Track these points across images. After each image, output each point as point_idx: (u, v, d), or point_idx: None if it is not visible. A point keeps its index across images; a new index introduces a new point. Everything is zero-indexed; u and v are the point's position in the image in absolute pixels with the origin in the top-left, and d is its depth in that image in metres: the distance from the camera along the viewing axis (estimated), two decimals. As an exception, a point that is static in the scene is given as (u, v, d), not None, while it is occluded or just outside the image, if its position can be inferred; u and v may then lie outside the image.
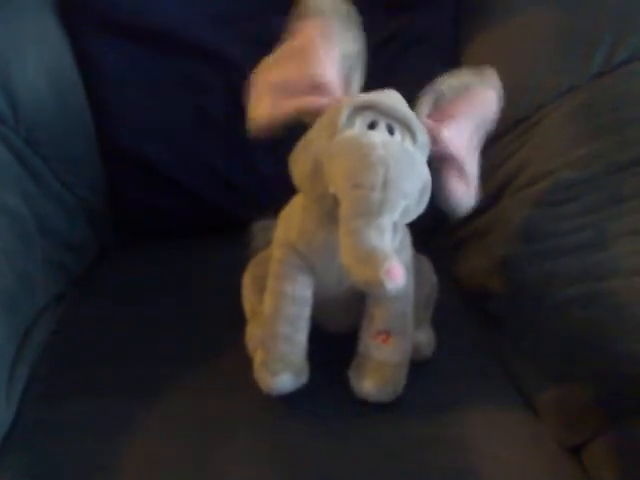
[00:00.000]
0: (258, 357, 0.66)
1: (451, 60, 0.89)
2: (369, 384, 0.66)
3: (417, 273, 0.69)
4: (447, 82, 0.65)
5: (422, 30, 0.90)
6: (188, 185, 0.91)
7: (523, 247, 0.76)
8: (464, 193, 0.66)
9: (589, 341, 0.64)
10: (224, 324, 0.73)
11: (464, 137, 0.65)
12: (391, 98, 0.62)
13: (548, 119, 0.81)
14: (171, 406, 0.66)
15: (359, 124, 0.60)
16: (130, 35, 0.87)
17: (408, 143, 0.60)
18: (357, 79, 0.64)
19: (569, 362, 0.65)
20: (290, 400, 0.65)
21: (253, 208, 0.76)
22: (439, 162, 0.64)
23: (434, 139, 0.63)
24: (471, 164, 0.66)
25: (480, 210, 0.84)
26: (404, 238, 0.67)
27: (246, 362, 0.68)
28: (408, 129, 0.60)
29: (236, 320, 0.72)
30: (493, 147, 0.84)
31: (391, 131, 0.60)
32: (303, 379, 0.66)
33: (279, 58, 0.63)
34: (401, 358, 0.67)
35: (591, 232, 0.71)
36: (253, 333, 0.70)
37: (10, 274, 0.70)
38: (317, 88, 0.62)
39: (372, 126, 0.60)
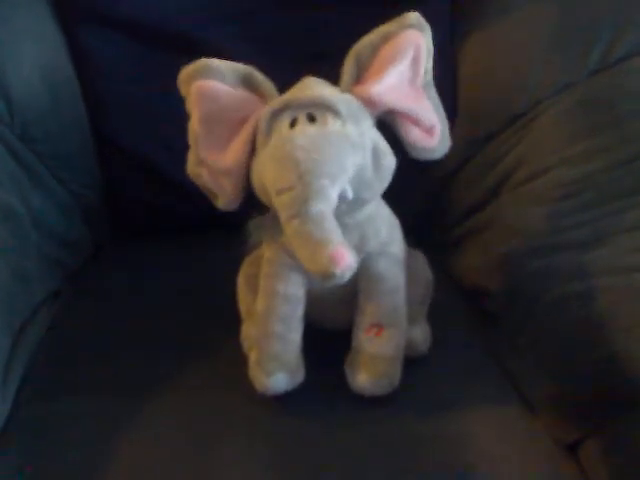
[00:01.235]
0: (252, 357, 0.66)
1: (448, 56, 0.89)
2: (364, 378, 0.66)
3: (412, 269, 0.69)
4: (362, 42, 0.64)
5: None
6: (185, 182, 0.91)
7: (521, 244, 0.75)
8: (424, 138, 0.65)
9: (587, 338, 0.64)
10: (221, 322, 0.73)
11: (398, 86, 0.64)
12: (306, 87, 0.63)
13: (545, 115, 0.81)
14: (168, 404, 0.66)
15: (280, 127, 0.60)
16: (126, 30, 0.87)
17: (333, 123, 0.60)
18: (267, 85, 0.65)
19: (566, 359, 0.65)
20: (287, 398, 0.65)
21: (249, 205, 0.76)
22: (389, 117, 0.64)
23: (368, 102, 0.63)
24: (421, 108, 0.65)
25: (478, 207, 0.84)
26: (392, 230, 0.67)
27: (242, 361, 0.68)
28: (328, 109, 0.60)
29: (233, 318, 0.72)
30: (490, 144, 0.84)
31: (312, 119, 0.60)
32: (299, 378, 0.66)
33: (196, 131, 0.65)
34: (395, 351, 0.67)
35: (589, 229, 0.71)
36: (248, 333, 0.70)
37: (5, 270, 0.70)
38: (243, 122, 0.63)
39: (293, 123, 0.60)
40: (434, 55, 0.65)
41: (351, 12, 0.87)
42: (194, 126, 0.65)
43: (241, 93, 0.64)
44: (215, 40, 0.88)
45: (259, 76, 0.65)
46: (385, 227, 0.66)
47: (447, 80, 0.85)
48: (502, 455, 0.61)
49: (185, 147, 0.90)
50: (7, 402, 0.66)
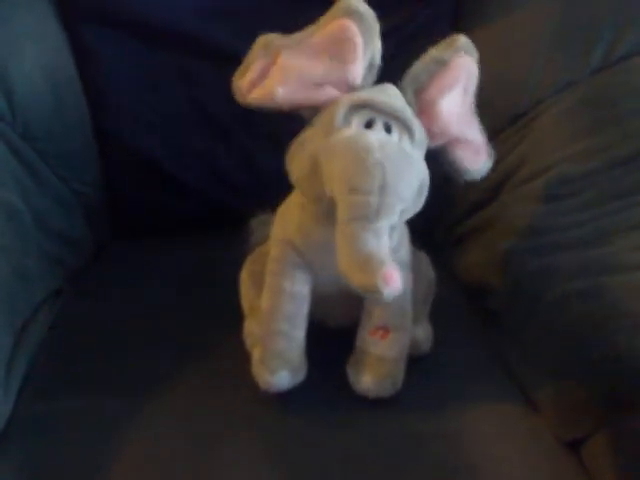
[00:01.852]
0: (256, 354, 0.66)
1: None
2: (368, 379, 0.66)
3: (415, 269, 0.69)
4: (418, 67, 0.64)
5: (421, 24, 0.90)
6: (186, 180, 0.91)
7: (522, 242, 0.75)
8: (474, 159, 0.66)
9: (588, 336, 0.64)
10: (222, 322, 0.73)
11: (454, 113, 0.64)
12: (388, 95, 0.61)
13: (547, 114, 0.81)
14: (168, 403, 0.66)
15: (356, 123, 0.59)
16: (127, 29, 0.87)
17: (405, 142, 0.60)
18: (370, 83, 0.63)
19: (568, 357, 0.65)
20: (289, 396, 0.65)
21: (252, 203, 0.76)
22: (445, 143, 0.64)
23: (429, 133, 0.63)
24: (471, 131, 0.66)
25: (479, 205, 0.84)
26: (402, 236, 0.67)
27: (245, 358, 0.68)
28: (405, 127, 0.60)
29: (235, 316, 0.72)
30: (492, 142, 0.84)
31: (388, 129, 0.59)
32: (301, 376, 0.66)
33: (311, 45, 0.61)
34: (399, 353, 0.67)
35: (591, 227, 0.71)
36: (251, 329, 0.70)
37: (6, 269, 0.70)
38: (343, 85, 0.61)
39: (369, 124, 0.59)
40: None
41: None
42: (317, 36, 0.61)
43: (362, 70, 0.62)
44: (216, 39, 0.88)
45: (374, 70, 0.63)
46: (396, 233, 0.66)
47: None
48: (504, 454, 0.61)
49: (187, 146, 0.91)
50: (9, 401, 0.65)
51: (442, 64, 0.63)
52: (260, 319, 0.67)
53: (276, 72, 0.61)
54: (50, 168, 0.84)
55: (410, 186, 0.58)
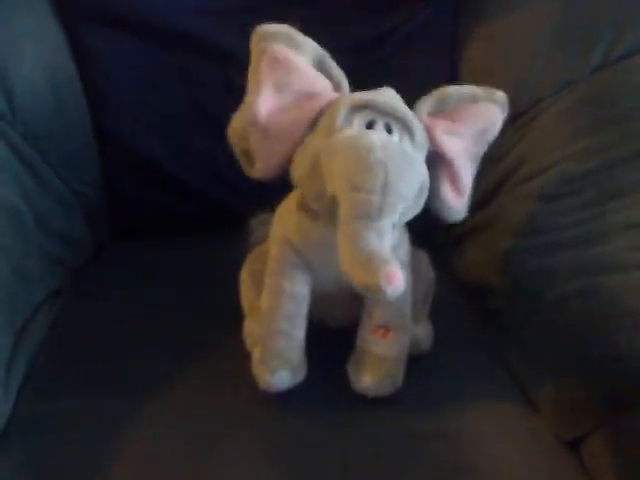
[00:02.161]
0: (256, 354, 0.66)
1: (450, 55, 0.89)
2: (368, 379, 0.66)
3: (415, 268, 0.69)
4: (454, 88, 0.65)
5: (421, 24, 0.90)
6: (186, 180, 0.91)
7: (522, 242, 0.76)
8: (455, 201, 0.67)
9: (588, 336, 0.64)
10: (223, 320, 0.73)
11: (461, 144, 0.65)
12: (388, 96, 0.61)
13: (547, 113, 0.81)
14: (168, 403, 0.66)
15: (357, 123, 0.59)
16: (127, 29, 0.87)
17: (406, 143, 0.60)
18: (342, 77, 0.63)
19: (568, 356, 0.65)
20: (289, 396, 0.65)
21: (251, 203, 0.76)
22: (434, 165, 0.64)
23: (430, 138, 0.63)
24: (465, 173, 0.66)
25: (479, 205, 0.84)
26: (402, 235, 0.67)
27: (245, 358, 0.68)
28: (406, 128, 0.60)
29: (235, 316, 0.72)
30: (492, 142, 0.84)
31: (389, 130, 0.60)
32: (301, 376, 0.66)
33: (257, 89, 0.62)
34: (399, 353, 0.67)
35: (590, 226, 0.71)
36: (251, 329, 0.70)
37: (7, 269, 0.70)
38: (311, 98, 0.62)
39: (370, 125, 0.59)
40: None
41: (352, 10, 0.88)
42: (261, 83, 0.62)
43: (315, 71, 0.63)
44: (217, 39, 0.88)
45: (332, 62, 0.63)
46: (396, 232, 0.66)
47: (449, 78, 0.85)
48: (504, 453, 0.61)
49: (187, 146, 0.91)
50: (9, 401, 0.65)
51: (474, 101, 0.65)
52: (260, 319, 0.67)
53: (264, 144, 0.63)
54: (51, 168, 0.84)
55: (411, 186, 0.58)
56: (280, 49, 0.61)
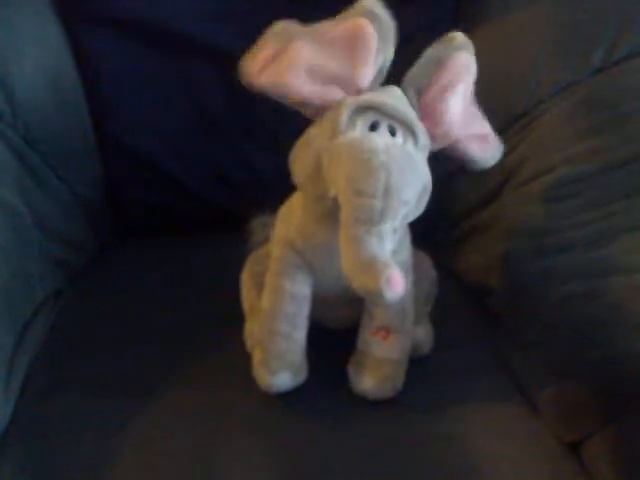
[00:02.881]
0: (256, 355, 0.66)
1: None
2: (368, 381, 0.66)
3: (416, 269, 0.69)
4: (416, 69, 0.63)
5: (422, 26, 0.90)
6: (187, 181, 0.91)
7: (523, 243, 0.75)
8: (482, 148, 0.67)
9: (589, 337, 0.64)
10: (224, 321, 0.73)
11: (457, 113, 0.63)
12: (393, 97, 0.61)
13: (548, 115, 0.81)
14: (169, 403, 0.66)
15: (360, 125, 0.59)
16: (128, 31, 0.87)
17: (410, 145, 0.60)
18: (376, 87, 0.63)
19: (569, 358, 0.65)
20: (289, 397, 0.66)
21: (252, 204, 0.76)
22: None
23: (433, 137, 0.62)
24: (476, 125, 0.66)
25: (480, 206, 0.84)
26: (403, 237, 0.67)
27: (245, 359, 0.68)
28: (410, 130, 0.60)
29: (236, 316, 0.72)
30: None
31: (393, 132, 0.59)
32: (301, 377, 0.66)
33: (325, 39, 0.61)
34: (400, 355, 0.67)
35: (591, 228, 0.71)
36: (251, 330, 0.70)
37: (7, 269, 0.70)
38: (349, 86, 0.61)
39: (374, 127, 0.59)
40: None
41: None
42: (331, 32, 0.60)
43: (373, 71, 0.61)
44: (217, 40, 0.88)
45: (382, 76, 0.63)
46: (398, 234, 0.66)
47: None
48: (504, 454, 0.61)
49: (187, 147, 0.91)
50: (10, 401, 0.66)
51: (440, 64, 0.63)
52: (261, 319, 0.67)
53: (287, 59, 0.61)
54: (51, 169, 0.84)
55: (414, 189, 0.58)
56: (373, 33, 0.60)
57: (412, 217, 0.61)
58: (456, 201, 0.87)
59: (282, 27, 0.63)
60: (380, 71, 0.62)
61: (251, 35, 0.80)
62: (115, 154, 0.90)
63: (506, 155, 0.82)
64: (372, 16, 0.60)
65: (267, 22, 0.85)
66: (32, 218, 0.79)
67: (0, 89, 0.79)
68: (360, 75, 0.61)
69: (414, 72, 0.63)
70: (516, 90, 0.83)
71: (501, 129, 0.83)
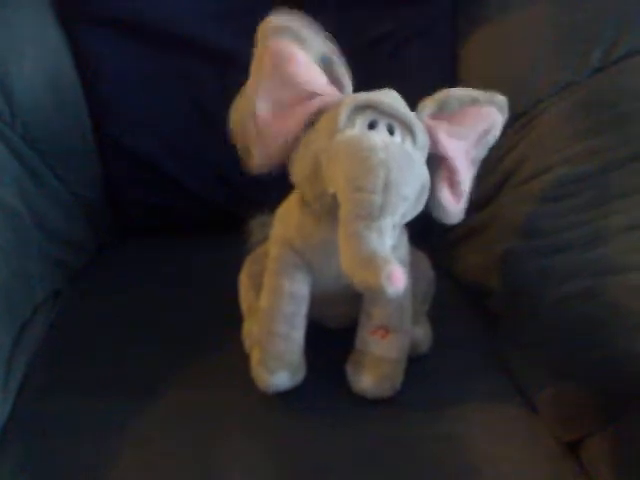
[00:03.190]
0: (255, 355, 0.66)
1: (449, 56, 0.89)
2: (367, 380, 0.66)
3: (413, 268, 0.69)
4: (455, 91, 0.65)
5: (421, 25, 0.90)
6: (186, 181, 0.91)
7: (521, 243, 0.75)
8: (453, 205, 0.66)
9: (587, 337, 0.64)
10: (223, 321, 0.73)
11: (461, 147, 0.65)
12: (391, 97, 0.62)
13: (547, 115, 0.81)
14: (168, 403, 0.66)
15: (359, 124, 0.59)
16: (127, 31, 0.87)
17: (408, 144, 0.60)
18: (345, 77, 0.63)
19: (568, 358, 0.65)
20: (288, 397, 0.66)
21: (251, 204, 0.76)
22: (434, 167, 0.64)
23: (432, 140, 0.63)
24: (464, 176, 0.66)
25: (478, 206, 0.84)
26: (401, 235, 0.67)
27: (245, 358, 0.68)
28: (408, 129, 0.60)
29: (235, 316, 0.72)
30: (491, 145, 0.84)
31: (391, 131, 0.60)
32: (300, 377, 0.66)
33: (265, 74, 0.62)
34: (399, 354, 0.67)
35: (590, 228, 0.71)
36: (250, 330, 0.70)
37: (6, 269, 0.70)
38: (310, 97, 0.61)
39: (372, 126, 0.59)
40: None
41: (352, 10, 0.88)
42: (262, 77, 0.62)
43: (318, 70, 0.62)
44: (217, 40, 0.88)
45: (338, 60, 0.63)
46: (396, 232, 0.66)
47: (448, 79, 0.85)
48: (504, 454, 0.61)
49: (187, 147, 0.91)
50: (8, 401, 0.66)
51: (475, 104, 0.65)
52: (259, 319, 0.67)
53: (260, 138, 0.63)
54: (50, 169, 0.84)
55: (412, 186, 0.58)
56: (284, 44, 0.61)
57: (410, 216, 0.62)
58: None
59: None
60: (323, 60, 0.62)
61: (251, 35, 0.80)
62: (114, 154, 0.90)
63: (505, 155, 0.83)
64: (279, 30, 0.61)
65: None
66: (31, 218, 0.79)
67: (-1, 90, 0.80)
68: (313, 85, 0.61)
69: (451, 94, 0.64)
70: (515, 90, 0.83)
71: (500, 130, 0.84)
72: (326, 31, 0.88)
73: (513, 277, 0.75)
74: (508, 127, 0.83)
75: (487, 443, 0.62)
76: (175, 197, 0.92)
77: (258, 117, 0.62)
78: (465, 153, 0.66)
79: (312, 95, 0.62)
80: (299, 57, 0.61)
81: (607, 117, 0.77)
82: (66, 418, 0.64)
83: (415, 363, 0.69)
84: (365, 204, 0.56)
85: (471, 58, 0.88)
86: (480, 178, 0.75)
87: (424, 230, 0.69)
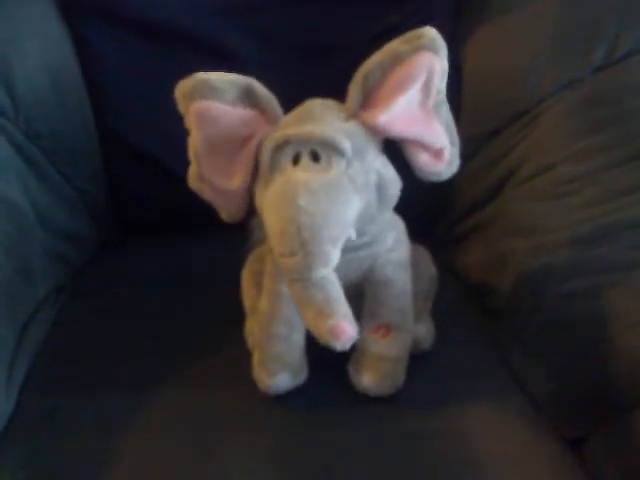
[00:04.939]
0: (255, 357, 0.66)
1: (451, 53, 0.89)
2: (368, 378, 0.66)
3: (416, 265, 0.69)
4: (370, 62, 0.61)
5: (422, 22, 0.89)
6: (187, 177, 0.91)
7: (524, 240, 0.75)
8: (430, 162, 0.62)
9: (589, 335, 0.64)
10: (224, 318, 0.73)
11: (408, 112, 0.61)
12: (310, 118, 0.60)
13: (549, 112, 0.81)
14: (170, 401, 0.66)
15: (284, 161, 0.59)
16: (130, 27, 0.87)
17: (335, 166, 0.58)
18: (271, 101, 0.62)
19: (569, 356, 0.65)
20: (289, 396, 0.66)
21: (252, 204, 0.76)
22: (397, 140, 0.62)
23: (374, 130, 0.60)
24: (430, 132, 0.62)
25: (480, 204, 0.84)
26: (399, 235, 0.67)
27: (245, 358, 0.68)
28: (332, 148, 0.58)
29: (235, 316, 0.72)
30: (494, 141, 0.84)
31: (316, 157, 0.58)
32: (302, 378, 0.66)
33: (194, 148, 0.63)
34: (400, 352, 0.67)
35: (592, 226, 0.71)
36: (253, 328, 0.70)
37: (9, 266, 0.71)
38: (246, 140, 0.62)
39: (296, 159, 0.58)
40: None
41: (353, 7, 0.87)
42: (195, 146, 0.63)
43: (241, 112, 0.62)
44: (218, 36, 0.88)
45: (259, 89, 0.62)
46: (392, 233, 0.65)
47: (451, 77, 0.85)
48: (505, 451, 0.61)
49: (186, 142, 0.90)
50: (11, 398, 0.66)
51: (398, 60, 0.59)
52: (259, 322, 0.67)
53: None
54: (53, 166, 0.84)
55: (344, 220, 0.57)
56: (199, 105, 0.61)
57: (385, 210, 0.61)
58: (457, 199, 0.87)
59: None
60: (246, 96, 0.62)
61: (253, 31, 0.80)
62: (116, 150, 0.90)
63: (507, 152, 0.83)
64: (190, 93, 0.62)
65: (269, 21, 0.86)
66: (34, 214, 0.79)
67: (2, 85, 0.80)
68: (241, 128, 0.62)
69: (369, 65, 0.60)
70: (517, 88, 0.83)
71: (502, 126, 0.84)
72: (327, 28, 0.88)
73: (515, 274, 0.75)
74: (510, 125, 0.84)
75: (488, 440, 0.63)
76: (177, 194, 0.91)
77: (205, 179, 0.64)
78: (416, 117, 0.61)
79: (246, 138, 0.62)
80: (216, 112, 0.61)
81: (610, 115, 0.76)
82: (68, 416, 0.64)
83: (417, 360, 0.68)
84: (292, 267, 0.55)
85: (473, 55, 0.88)
86: (482, 176, 0.76)
87: (427, 228, 0.69)
